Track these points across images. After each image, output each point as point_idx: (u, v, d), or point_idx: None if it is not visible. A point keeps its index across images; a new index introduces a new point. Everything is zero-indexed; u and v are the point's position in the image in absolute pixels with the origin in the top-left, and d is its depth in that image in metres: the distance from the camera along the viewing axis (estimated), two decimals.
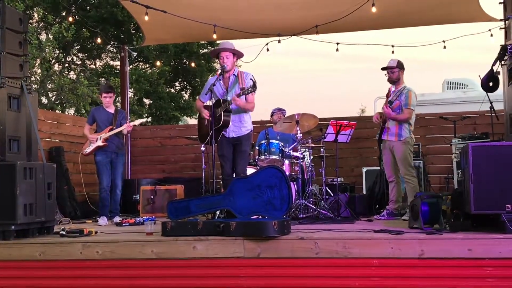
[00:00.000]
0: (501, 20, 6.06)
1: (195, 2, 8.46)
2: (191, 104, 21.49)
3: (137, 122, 7.92)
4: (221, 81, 6.44)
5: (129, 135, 9.98)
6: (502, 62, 5.69)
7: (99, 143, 7.50)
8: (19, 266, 5.09)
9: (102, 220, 7.33)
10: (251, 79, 6.27)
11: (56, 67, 18.58)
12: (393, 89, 7.03)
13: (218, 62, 6.54)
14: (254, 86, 6.12)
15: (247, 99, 6.34)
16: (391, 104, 6.95)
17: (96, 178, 7.82)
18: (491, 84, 5.91)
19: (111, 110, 7.72)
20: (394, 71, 7.04)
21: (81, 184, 8.56)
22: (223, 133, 6.37)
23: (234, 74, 6.44)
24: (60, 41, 16.73)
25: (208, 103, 6.35)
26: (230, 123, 6.30)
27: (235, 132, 6.41)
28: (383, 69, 7.11)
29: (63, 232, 5.45)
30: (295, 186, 7.21)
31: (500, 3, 5.83)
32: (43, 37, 17.55)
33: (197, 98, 6.59)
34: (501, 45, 5.66)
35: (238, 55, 6.53)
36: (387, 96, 7.00)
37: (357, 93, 53.11)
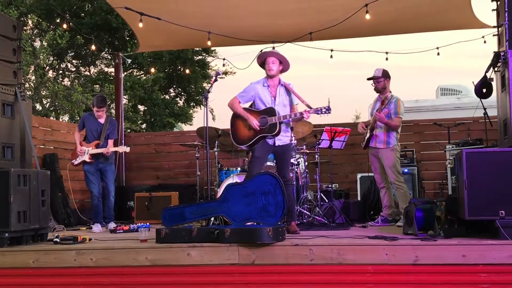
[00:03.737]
0: (494, 27, 6.07)
1: (190, 9, 8.47)
2: (185, 110, 21.43)
3: (118, 149, 7.72)
4: (268, 88, 6.20)
5: (123, 141, 9.99)
6: (496, 69, 5.72)
7: (86, 158, 7.44)
8: (12, 274, 5.07)
9: (96, 227, 7.30)
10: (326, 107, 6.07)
11: (50, 74, 18.52)
12: (381, 97, 7.05)
13: (266, 68, 6.21)
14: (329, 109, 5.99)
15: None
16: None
17: None
18: (484, 90, 5.94)
19: (102, 120, 7.65)
20: (380, 81, 7.07)
21: (75, 192, 8.51)
22: (267, 140, 6.12)
23: (281, 84, 6.22)
24: (54, 48, 16.69)
25: (246, 105, 6.24)
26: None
27: (281, 141, 6.15)
28: (369, 79, 7.14)
29: (57, 239, 5.43)
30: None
31: (493, 10, 5.85)
32: (37, 44, 17.51)
33: (235, 96, 6.22)
34: (494, 52, 5.68)
35: (284, 65, 6.25)
36: (382, 103, 7.00)
37: (351, 100, 53.13)
